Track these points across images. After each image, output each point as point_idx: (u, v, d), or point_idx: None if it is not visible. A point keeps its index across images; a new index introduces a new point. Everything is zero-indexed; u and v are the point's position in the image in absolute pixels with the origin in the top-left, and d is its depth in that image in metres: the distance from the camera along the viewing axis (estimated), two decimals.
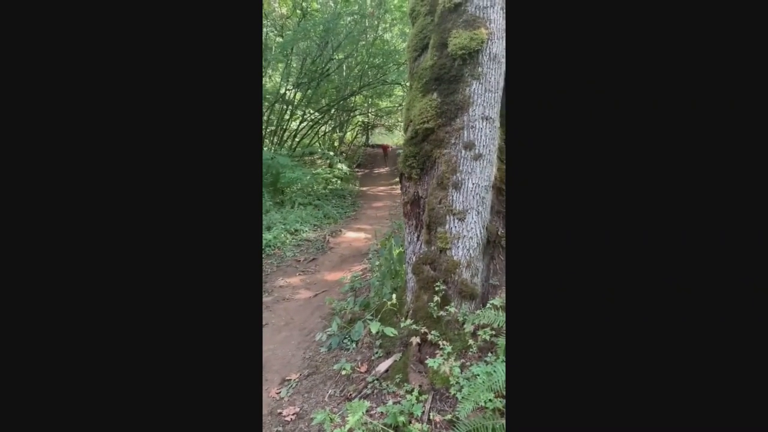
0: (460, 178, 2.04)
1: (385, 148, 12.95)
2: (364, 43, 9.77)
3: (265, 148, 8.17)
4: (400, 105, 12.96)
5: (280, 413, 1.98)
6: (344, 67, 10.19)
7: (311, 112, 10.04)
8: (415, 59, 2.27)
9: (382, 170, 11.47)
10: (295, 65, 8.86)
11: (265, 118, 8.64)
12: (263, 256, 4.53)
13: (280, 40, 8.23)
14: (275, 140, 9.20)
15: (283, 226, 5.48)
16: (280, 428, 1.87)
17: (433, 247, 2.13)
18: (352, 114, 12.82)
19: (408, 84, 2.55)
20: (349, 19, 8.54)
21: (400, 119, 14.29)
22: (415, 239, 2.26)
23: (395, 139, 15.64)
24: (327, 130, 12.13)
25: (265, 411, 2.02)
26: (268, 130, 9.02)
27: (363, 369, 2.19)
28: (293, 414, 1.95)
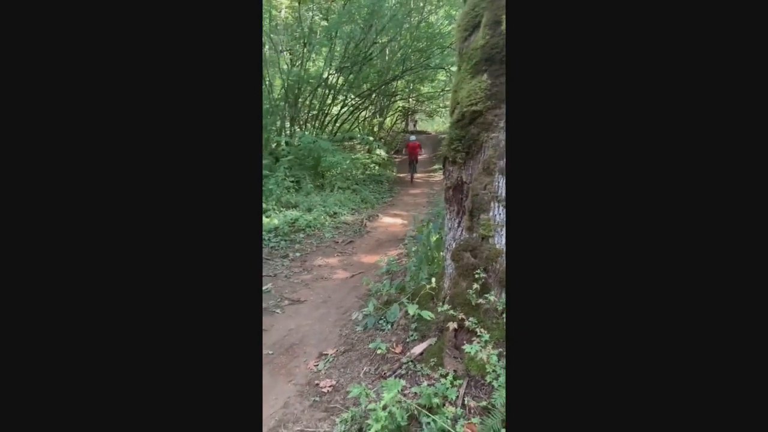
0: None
1: (413, 149, 9.17)
2: (408, 26, 9.57)
3: (306, 132, 8.34)
4: (442, 90, 12.64)
5: (317, 384, 2.07)
6: (387, 51, 10.08)
7: (352, 97, 10.07)
8: (465, 39, 2.18)
9: (420, 157, 11.27)
10: (338, 49, 8.89)
11: (307, 102, 8.80)
12: (304, 235, 4.69)
13: (325, 24, 8.26)
14: (317, 124, 9.36)
15: (322, 208, 5.62)
16: (317, 398, 1.96)
17: (474, 234, 2.09)
18: (392, 99, 12.70)
19: (453, 66, 2.47)
20: (393, 0, 8.38)
21: (441, 105, 13.96)
22: (456, 225, 2.22)
23: (435, 125, 15.33)
24: (367, 116, 12.14)
25: (303, 381, 2.12)
26: (310, 115, 9.19)
27: (398, 350, 2.23)
28: (330, 386, 2.04)
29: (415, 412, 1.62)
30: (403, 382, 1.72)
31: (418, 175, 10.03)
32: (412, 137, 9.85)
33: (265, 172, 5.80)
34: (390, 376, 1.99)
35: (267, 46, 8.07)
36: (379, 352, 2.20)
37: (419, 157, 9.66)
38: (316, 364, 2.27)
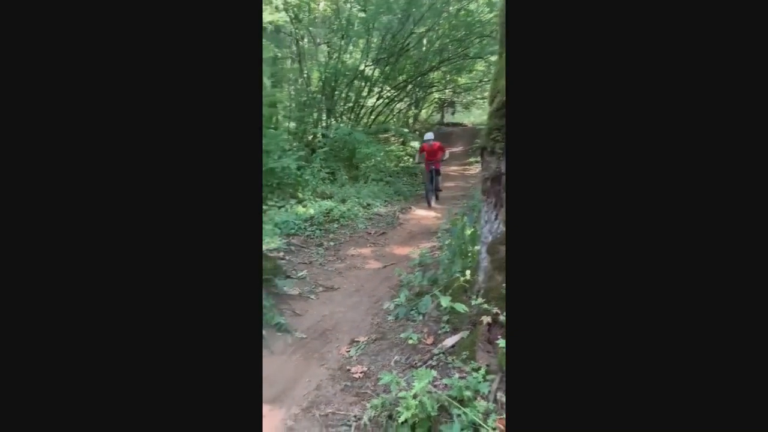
0: None
1: (431, 154, 5.78)
2: (446, 15, 9.34)
3: (342, 124, 8.44)
4: (480, 81, 12.27)
5: (349, 370, 2.11)
6: (424, 42, 9.91)
7: (388, 89, 10.03)
8: None
9: (455, 149, 11.01)
10: (375, 41, 8.86)
11: (343, 95, 8.88)
12: (338, 225, 4.77)
13: (363, 15, 8.25)
14: (352, 116, 9.43)
15: (356, 200, 5.69)
16: (348, 383, 2.00)
17: None
18: (428, 91, 12.51)
19: (492, 56, 2.38)
20: None
21: (478, 96, 13.57)
22: (493, 218, 2.17)
23: (472, 117, 14.96)
24: (402, 108, 12.06)
25: (335, 365, 2.18)
26: (346, 107, 9.27)
27: (429, 341, 2.22)
28: (361, 372, 2.07)
29: (446, 404, 1.61)
30: (434, 372, 1.72)
31: (452, 167, 9.07)
32: (430, 135, 5.95)
33: (301, 162, 5.92)
34: (420, 366, 2.00)
35: (306, 39, 8.20)
36: (410, 342, 2.21)
37: (443, 160, 5.91)
38: (348, 350, 2.32)
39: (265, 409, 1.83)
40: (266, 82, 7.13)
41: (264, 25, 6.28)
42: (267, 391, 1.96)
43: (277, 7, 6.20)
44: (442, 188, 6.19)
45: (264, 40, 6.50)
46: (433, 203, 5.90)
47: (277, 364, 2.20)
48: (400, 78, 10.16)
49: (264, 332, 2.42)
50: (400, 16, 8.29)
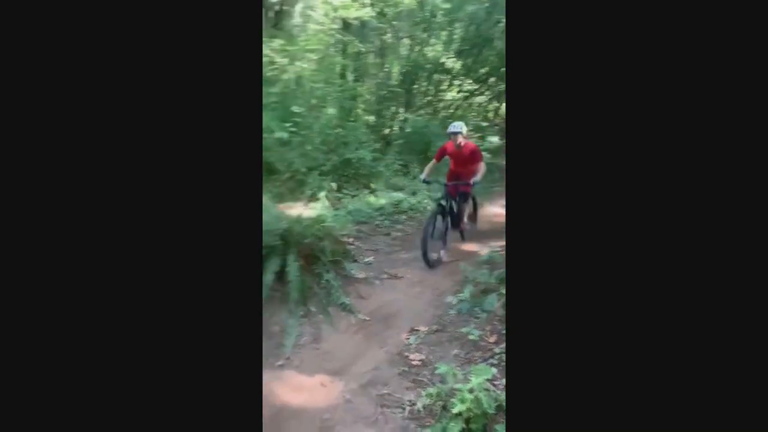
0: None
1: (460, 162, 3.54)
2: None
3: (419, 118, 8.43)
4: None
5: (407, 356, 2.14)
6: None
7: (469, 82, 9.72)
8: None
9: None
10: (458, 32, 8.63)
11: (422, 88, 8.85)
12: (406, 217, 4.82)
13: (447, 6, 8.09)
14: (430, 110, 9.36)
15: (427, 193, 5.66)
16: (406, 368, 2.03)
17: None
18: None
19: None
20: None
21: None
22: None
23: None
24: (483, 101, 11.59)
25: (394, 350, 2.22)
26: (424, 100, 9.24)
27: (491, 339, 2.14)
28: (419, 360, 2.08)
29: (504, 404, 1.54)
30: (494, 370, 1.65)
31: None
32: (457, 126, 3.43)
33: (376, 155, 6.09)
34: (481, 363, 1.93)
35: (389, 33, 8.33)
36: (471, 337, 2.16)
37: (477, 177, 3.30)
38: (407, 337, 2.34)
39: (326, 380, 1.95)
40: (349, 76, 7.44)
41: (350, 20, 6.53)
42: (329, 364, 2.09)
43: (363, 3, 6.40)
44: (468, 222, 3.74)
45: (349, 35, 6.78)
46: (443, 256, 3.34)
47: (339, 341, 2.32)
48: (482, 71, 9.75)
49: (330, 310, 2.57)
50: (486, 5, 7.95)
